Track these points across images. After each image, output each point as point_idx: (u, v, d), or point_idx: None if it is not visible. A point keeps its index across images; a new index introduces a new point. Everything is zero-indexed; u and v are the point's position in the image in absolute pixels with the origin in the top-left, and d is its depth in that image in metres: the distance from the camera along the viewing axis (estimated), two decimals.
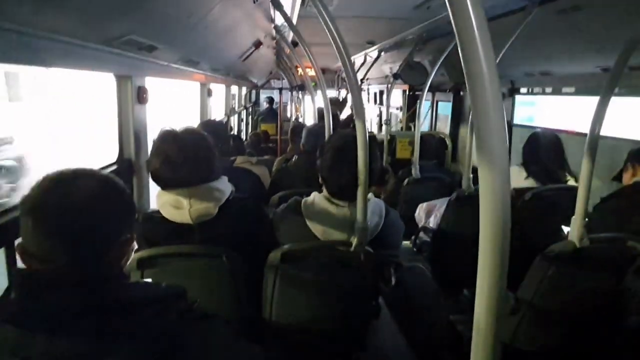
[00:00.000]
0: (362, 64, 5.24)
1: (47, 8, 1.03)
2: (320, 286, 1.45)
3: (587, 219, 1.44)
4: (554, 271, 1.51)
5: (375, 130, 6.36)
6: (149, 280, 1.21)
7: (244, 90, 6.77)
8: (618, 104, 1.40)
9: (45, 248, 0.70)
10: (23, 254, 0.72)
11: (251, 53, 3.37)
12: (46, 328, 0.64)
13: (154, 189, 1.41)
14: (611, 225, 1.60)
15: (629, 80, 1.98)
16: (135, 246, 1.35)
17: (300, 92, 5.14)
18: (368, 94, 7.56)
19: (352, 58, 1.88)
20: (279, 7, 2.11)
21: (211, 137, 1.43)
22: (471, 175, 2.29)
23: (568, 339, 1.70)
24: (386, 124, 4.03)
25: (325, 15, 1.31)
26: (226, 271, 1.31)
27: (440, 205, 2.45)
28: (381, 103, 6.64)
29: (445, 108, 4.87)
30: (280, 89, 6.44)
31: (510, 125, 3.45)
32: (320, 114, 2.91)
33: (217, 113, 4.49)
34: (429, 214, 2.52)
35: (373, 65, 4.68)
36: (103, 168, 1.73)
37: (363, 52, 4.66)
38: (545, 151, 2.14)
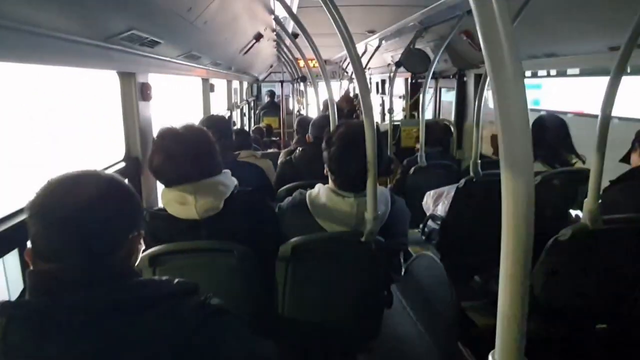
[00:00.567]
0: (363, 53, 5.19)
1: (47, 5, 1.02)
2: (333, 278, 1.45)
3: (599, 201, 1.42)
4: (567, 255, 1.50)
5: (378, 119, 6.32)
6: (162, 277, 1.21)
7: (245, 84, 6.74)
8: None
9: (54, 249, 0.70)
10: (33, 258, 0.72)
11: (252, 46, 3.34)
12: (61, 328, 0.64)
13: (161, 185, 1.41)
14: (622, 207, 1.58)
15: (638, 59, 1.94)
16: (144, 246, 1.35)
17: (302, 84, 5.11)
18: (370, 83, 7.50)
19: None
20: None
21: (213, 132, 1.42)
22: (478, 161, 2.27)
23: (583, 323, 1.70)
24: (389, 112, 4.00)
25: (329, 3, 1.29)
26: (237, 266, 1.30)
27: (448, 192, 2.44)
28: (383, 92, 6.59)
29: (448, 95, 4.83)
30: (282, 82, 6.40)
31: None
32: (325, 105, 2.89)
33: (219, 108, 4.48)
34: (437, 201, 2.51)
35: (374, 54, 4.64)
36: (110, 166, 1.73)
37: (364, 42, 4.61)
38: (551, 134, 2.13)
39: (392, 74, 4.04)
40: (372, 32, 4.02)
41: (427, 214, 2.52)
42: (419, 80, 5.21)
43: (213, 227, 1.33)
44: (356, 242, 1.38)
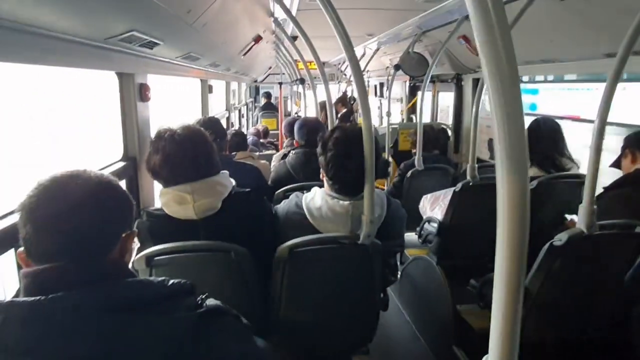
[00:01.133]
0: (362, 56, 5.20)
1: (48, 6, 1.02)
2: (329, 279, 1.45)
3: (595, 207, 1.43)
4: (562, 260, 1.51)
5: (376, 122, 6.33)
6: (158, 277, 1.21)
7: (244, 86, 6.74)
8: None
9: (46, 250, 0.70)
10: (26, 259, 0.72)
11: (251, 48, 3.35)
12: (55, 328, 0.63)
13: (159, 185, 1.41)
14: (617, 213, 1.59)
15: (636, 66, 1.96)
16: (138, 244, 1.35)
17: (300, 86, 5.12)
18: (368, 86, 7.52)
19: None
20: None
21: (209, 133, 1.43)
22: (476, 165, 2.28)
23: (577, 328, 1.71)
24: (387, 115, 4.01)
25: (328, 6, 1.30)
26: (234, 266, 1.31)
27: (444, 196, 2.45)
28: (382, 95, 6.60)
29: (446, 98, 4.85)
30: (280, 84, 6.40)
31: None
32: (322, 107, 2.90)
33: (217, 110, 4.48)
34: (434, 204, 2.52)
35: (373, 57, 4.65)
36: (108, 166, 1.73)
37: (362, 45, 4.62)
38: (546, 139, 2.14)
39: (390, 77, 4.05)
40: (371, 35, 4.03)
41: (424, 217, 2.53)
42: (417, 84, 5.23)
43: (211, 227, 1.33)
44: (353, 244, 1.39)
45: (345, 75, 6.91)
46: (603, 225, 1.45)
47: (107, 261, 0.75)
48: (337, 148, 1.44)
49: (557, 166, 2.13)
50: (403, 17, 3.03)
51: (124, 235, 0.79)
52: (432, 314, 2.43)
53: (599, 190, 1.71)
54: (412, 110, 5.41)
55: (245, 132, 4.24)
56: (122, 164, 1.79)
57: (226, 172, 1.43)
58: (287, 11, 2.13)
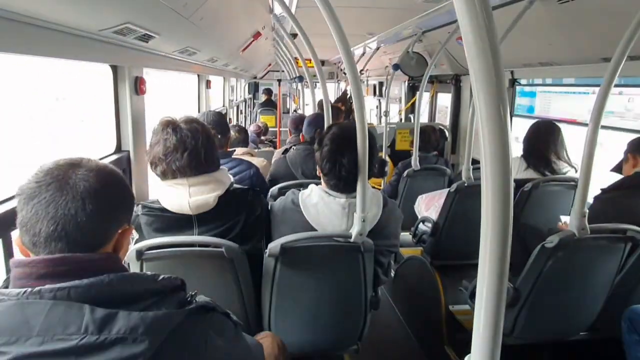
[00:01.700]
0: (362, 55, 5.20)
1: None
2: (320, 277, 1.45)
3: (587, 210, 1.43)
4: (554, 262, 1.51)
5: (374, 121, 6.34)
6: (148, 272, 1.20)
7: (243, 82, 6.73)
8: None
9: (39, 237, 0.69)
10: (22, 245, 0.71)
11: (250, 44, 3.34)
12: (42, 320, 0.63)
13: (152, 180, 1.40)
14: (612, 216, 1.59)
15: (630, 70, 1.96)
16: (136, 235, 1.35)
17: (299, 83, 5.11)
18: (367, 86, 7.53)
19: (351, 49, 1.84)
20: None
21: (212, 127, 1.42)
22: (471, 166, 2.28)
23: (567, 329, 1.71)
24: (385, 115, 4.01)
25: (325, 4, 1.29)
26: (226, 262, 1.30)
27: (440, 197, 2.45)
28: (380, 95, 6.61)
29: (444, 99, 4.85)
30: (279, 81, 6.39)
31: (511, 116, 3.44)
32: (320, 105, 2.89)
33: (215, 106, 4.47)
34: (429, 205, 2.52)
35: (372, 56, 4.65)
36: (100, 159, 1.72)
37: (362, 44, 4.62)
38: (544, 142, 2.13)
39: (389, 77, 4.05)
40: (372, 34, 4.03)
41: (419, 217, 2.53)
42: (416, 84, 5.23)
43: (206, 222, 1.33)
44: (345, 243, 1.38)
45: (345, 74, 6.91)
46: (594, 228, 1.45)
47: (100, 254, 0.74)
48: (333, 144, 1.44)
49: (553, 169, 2.13)
50: (403, 17, 3.03)
51: (120, 230, 0.77)
52: (424, 314, 2.44)
53: (592, 193, 1.71)
54: (410, 110, 5.41)
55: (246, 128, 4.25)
56: (115, 157, 1.78)
57: (225, 168, 1.43)
58: (286, 8, 2.12)
